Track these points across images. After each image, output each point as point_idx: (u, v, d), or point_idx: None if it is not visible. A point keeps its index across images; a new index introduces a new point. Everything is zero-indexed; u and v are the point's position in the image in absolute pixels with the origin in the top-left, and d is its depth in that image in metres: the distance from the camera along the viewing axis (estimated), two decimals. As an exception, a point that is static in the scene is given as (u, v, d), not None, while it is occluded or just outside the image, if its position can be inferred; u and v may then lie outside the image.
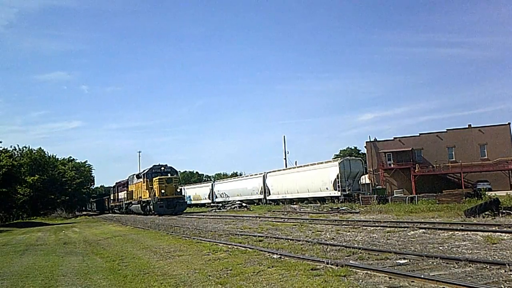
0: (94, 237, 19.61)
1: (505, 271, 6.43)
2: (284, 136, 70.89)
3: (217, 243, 12.21)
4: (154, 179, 38.17)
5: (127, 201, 48.10)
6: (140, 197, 41.42)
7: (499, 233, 10.64)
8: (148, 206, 38.99)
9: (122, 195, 52.31)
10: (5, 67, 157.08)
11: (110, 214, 55.11)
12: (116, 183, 57.56)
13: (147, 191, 38.99)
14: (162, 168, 40.11)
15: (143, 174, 41.16)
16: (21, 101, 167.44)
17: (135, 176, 45.87)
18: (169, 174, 38.98)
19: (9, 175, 45.97)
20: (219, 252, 10.48)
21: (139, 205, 41.74)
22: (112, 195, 60.43)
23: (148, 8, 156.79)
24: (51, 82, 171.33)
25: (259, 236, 13.16)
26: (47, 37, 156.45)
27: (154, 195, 36.71)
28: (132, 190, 46.04)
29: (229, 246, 11.35)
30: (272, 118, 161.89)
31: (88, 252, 13.63)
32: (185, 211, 39.45)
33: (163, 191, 36.38)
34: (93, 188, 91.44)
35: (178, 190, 38.84)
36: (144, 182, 40.28)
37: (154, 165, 40.62)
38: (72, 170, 72.71)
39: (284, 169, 49.37)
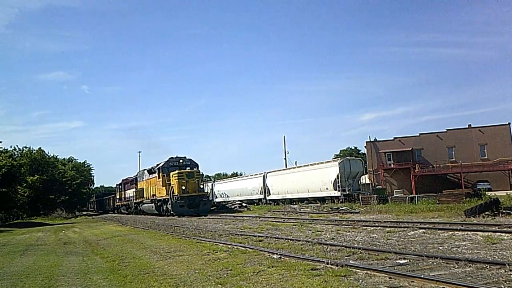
0: (94, 237, 19.62)
1: (505, 271, 6.43)
2: (284, 136, 71.02)
3: (217, 243, 12.22)
4: (171, 173, 32.89)
5: (137, 200, 43.21)
6: (154, 195, 36.43)
7: (499, 233, 10.64)
8: (164, 206, 34.04)
9: (130, 193, 47.50)
10: (6, 67, 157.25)
11: (110, 214, 54.88)
12: (123, 180, 52.91)
13: (164, 188, 33.59)
14: (181, 161, 34.64)
15: (158, 168, 35.33)
16: (22, 101, 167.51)
17: (146, 171, 40.44)
18: (188, 168, 33.37)
19: (9, 175, 46.03)
20: (219, 252, 10.48)
21: (152, 204, 36.66)
22: (118, 194, 55.66)
23: (149, 8, 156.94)
24: (52, 82, 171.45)
25: (259, 236, 13.17)
26: (48, 37, 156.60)
27: (173, 192, 31.64)
28: (143, 188, 40.97)
29: (229, 246, 11.35)
30: (272, 118, 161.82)
31: (88, 252, 13.64)
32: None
33: (183, 187, 31.27)
34: (93, 188, 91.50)
35: (201, 187, 33.33)
36: (159, 178, 34.77)
37: (171, 157, 35.04)
38: (72, 170, 72.72)
39: (284, 169, 49.34)
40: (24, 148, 65.83)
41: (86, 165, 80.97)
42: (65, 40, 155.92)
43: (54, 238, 21.30)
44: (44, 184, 60.85)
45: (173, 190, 31.79)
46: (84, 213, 76.32)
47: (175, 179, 31.75)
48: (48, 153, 70.52)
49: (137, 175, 45.35)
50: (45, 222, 48.49)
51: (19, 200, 57.45)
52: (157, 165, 36.30)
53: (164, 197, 33.76)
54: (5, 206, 51.17)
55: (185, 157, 35.08)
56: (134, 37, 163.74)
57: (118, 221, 33.63)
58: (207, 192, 35.08)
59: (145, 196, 40.17)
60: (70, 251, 14.44)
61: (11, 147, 60.72)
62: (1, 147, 52.04)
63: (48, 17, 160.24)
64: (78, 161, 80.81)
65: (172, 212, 31.97)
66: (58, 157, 74.81)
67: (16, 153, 61.69)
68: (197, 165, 35.04)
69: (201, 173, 34.10)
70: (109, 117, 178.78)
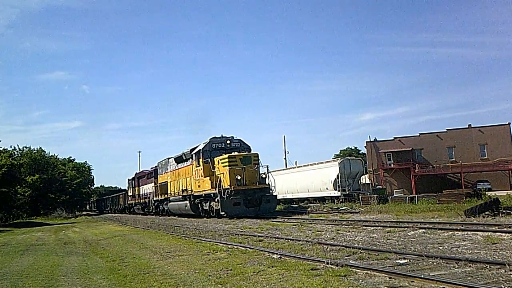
0: (94, 237, 19.63)
1: (505, 271, 6.42)
2: (284, 136, 70.59)
3: (217, 243, 12.22)
4: (217, 159, 24.12)
5: (159, 197, 34.66)
6: (186, 190, 27.93)
7: (499, 233, 10.62)
8: (207, 204, 25.27)
9: (147, 189, 40.21)
10: (6, 67, 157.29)
11: (110, 214, 54.73)
12: (136, 173, 46.34)
13: (207, 179, 24.53)
14: (228, 142, 25.57)
15: (197, 153, 26.09)
16: (22, 101, 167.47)
17: (172, 159, 31.79)
18: (236, 152, 24.66)
19: (9, 175, 45.98)
20: (219, 252, 10.48)
21: (186, 202, 27.74)
22: (130, 190, 48.00)
23: (149, 8, 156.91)
24: (52, 82, 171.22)
25: (259, 236, 13.16)
26: (49, 37, 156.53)
27: (220, 185, 22.90)
28: (167, 181, 32.71)
29: (229, 246, 11.35)
30: (272, 118, 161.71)
31: (88, 252, 13.64)
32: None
33: (238, 177, 22.61)
34: (93, 188, 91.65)
35: (263, 177, 24.40)
36: (198, 165, 25.82)
37: (213, 138, 25.92)
38: (72, 170, 72.81)
39: (284, 169, 49.35)
40: (24, 148, 65.99)
41: (86, 165, 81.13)
42: (66, 40, 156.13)
43: (54, 238, 21.31)
44: (44, 184, 60.91)
45: (221, 181, 23.01)
46: (84, 213, 76.38)
47: (224, 167, 23.10)
48: (48, 153, 70.73)
49: (156, 166, 37.01)
50: (45, 222, 48.47)
51: (19, 200, 57.46)
52: (193, 149, 27.15)
53: (207, 192, 24.87)
54: (5, 206, 51.13)
55: (232, 137, 26.07)
56: (134, 37, 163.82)
57: (118, 221, 33.65)
58: (269, 184, 24.35)
59: (170, 192, 31.84)
60: (70, 251, 14.45)
61: (11, 147, 60.86)
62: (1, 147, 52.08)
63: (49, 17, 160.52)
64: (78, 161, 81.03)
65: (222, 213, 23.42)
66: (58, 157, 75.03)
67: (16, 153, 61.76)
68: (249, 148, 26.00)
69: (259, 159, 24.43)
70: (109, 117, 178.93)
